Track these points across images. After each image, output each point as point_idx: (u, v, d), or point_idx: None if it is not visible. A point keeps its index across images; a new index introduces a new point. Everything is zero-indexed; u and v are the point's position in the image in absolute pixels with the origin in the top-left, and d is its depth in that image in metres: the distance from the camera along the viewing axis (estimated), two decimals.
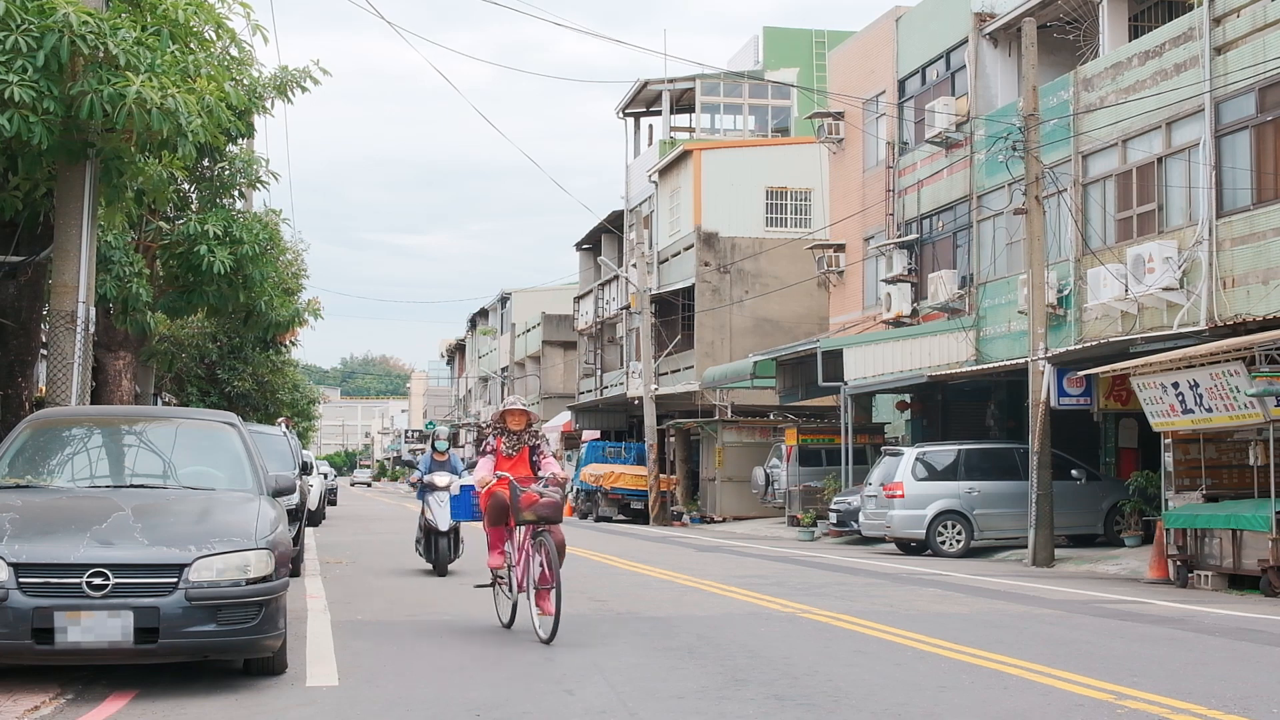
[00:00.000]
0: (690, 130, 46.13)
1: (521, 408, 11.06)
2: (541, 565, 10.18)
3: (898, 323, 29.05)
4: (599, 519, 39.35)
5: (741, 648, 10.03)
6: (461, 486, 11.94)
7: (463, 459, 17.62)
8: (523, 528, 10.52)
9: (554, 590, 10.03)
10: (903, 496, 23.29)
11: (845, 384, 27.95)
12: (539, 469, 10.82)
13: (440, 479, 16.58)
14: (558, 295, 62.01)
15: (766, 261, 39.49)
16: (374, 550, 21.96)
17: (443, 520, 16.30)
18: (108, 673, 8.11)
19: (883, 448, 27.17)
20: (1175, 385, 16.72)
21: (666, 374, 42.28)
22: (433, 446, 17.24)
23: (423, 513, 16.82)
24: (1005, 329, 25.39)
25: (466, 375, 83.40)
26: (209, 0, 13.30)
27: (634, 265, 41.10)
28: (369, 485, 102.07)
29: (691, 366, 40.54)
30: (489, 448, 10.85)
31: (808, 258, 36.01)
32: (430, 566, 16.85)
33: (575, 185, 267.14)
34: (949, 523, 23.19)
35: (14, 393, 13.90)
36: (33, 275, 13.86)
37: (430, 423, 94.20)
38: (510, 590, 10.80)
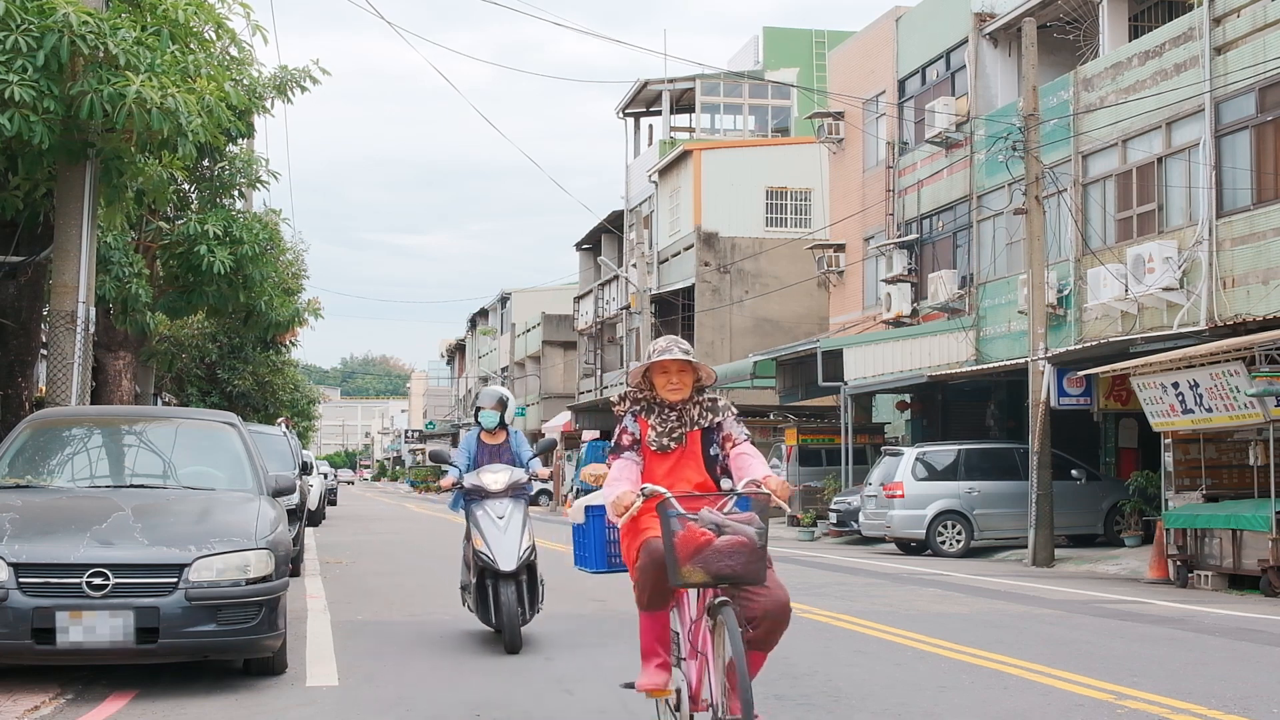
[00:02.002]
0: (690, 130, 46.15)
1: (683, 356, 6.09)
2: (728, 665, 5.57)
3: (898, 323, 29.05)
4: None
5: None
6: (588, 511, 6.85)
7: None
8: (693, 592, 5.89)
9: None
10: (903, 496, 23.29)
11: (845, 384, 27.94)
12: (728, 470, 6.12)
13: (493, 477, 9.91)
14: (558, 295, 62.03)
15: (766, 261, 39.49)
16: (374, 550, 21.96)
17: (506, 554, 9.59)
18: (108, 673, 8.11)
19: (883, 448, 27.17)
20: (1175, 385, 16.72)
21: None
22: (477, 421, 10.36)
23: (468, 537, 10.03)
24: (1005, 329, 25.39)
25: (466, 375, 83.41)
26: (209, 0, 13.30)
27: (634, 265, 41.10)
28: (351, 484, 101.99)
29: None
30: (627, 438, 6.16)
31: (808, 258, 36.00)
32: (487, 627, 10.20)
33: (575, 185, 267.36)
34: (949, 523, 23.19)
35: (14, 393, 13.90)
36: (33, 275, 13.87)
37: (430, 423, 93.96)
38: (678, 704, 6.12)
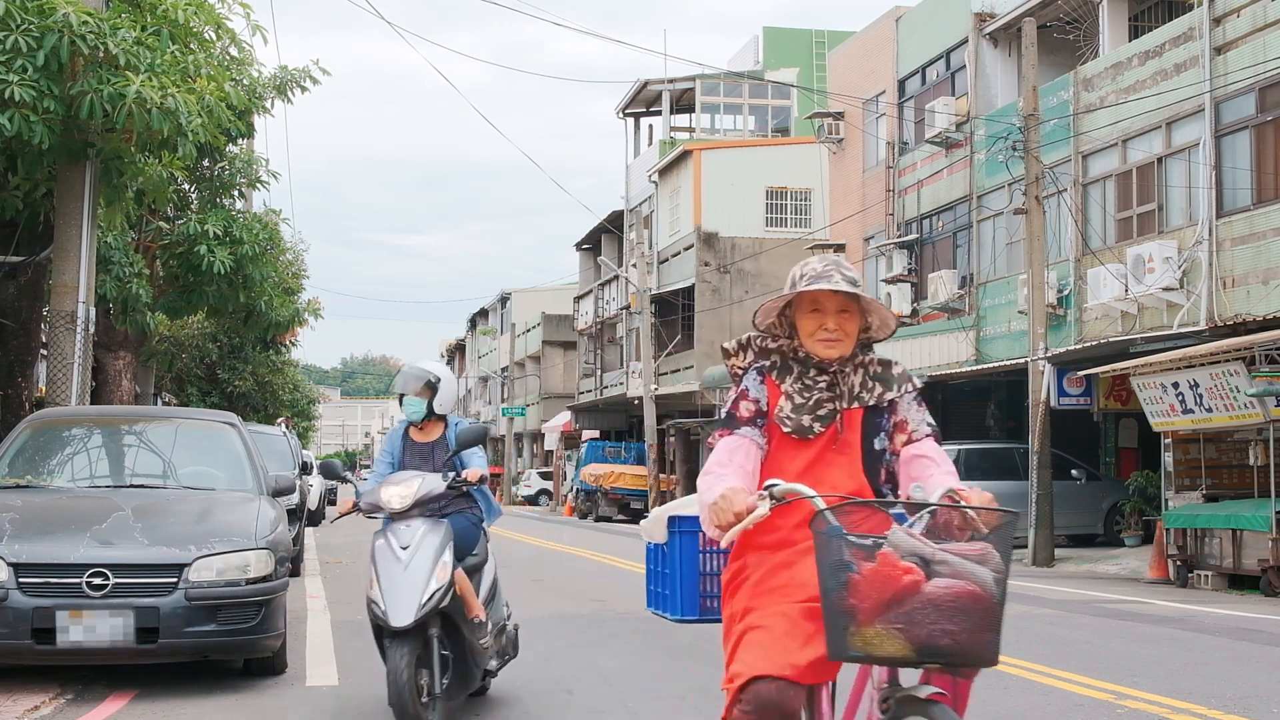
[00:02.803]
0: (690, 130, 46.15)
1: (849, 289, 3.73)
2: None
3: (898, 323, 29.03)
4: (599, 519, 39.37)
5: None
6: (673, 524, 4.31)
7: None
8: (858, 668, 3.64)
9: None
10: None
11: None
12: (894, 476, 3.90)
13: (396, 491, 6.77)
14: (558, 295, 62.02)
15: (766, 261, 39.47)
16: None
17: (400, 603, 6.37)
18: (108, 673, 8.11)
19: None
20: (1175, 385, 16.72)
21: (666, 374, 42.28)
22: (400, 403, 7.27)
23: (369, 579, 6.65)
24: (1005, 329, 25.39)
25: (466, 375, 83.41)
26: (209, 0, 13.31)
27: (634, 265, 41.10)
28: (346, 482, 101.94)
29: (691, 366, 40.54)
30: (747, 406, 3.80)
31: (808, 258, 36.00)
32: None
33: (575, 185, 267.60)
34: None
35: (14, 393, 13.90)
36: (33, 275, 13.87)
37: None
38: None
